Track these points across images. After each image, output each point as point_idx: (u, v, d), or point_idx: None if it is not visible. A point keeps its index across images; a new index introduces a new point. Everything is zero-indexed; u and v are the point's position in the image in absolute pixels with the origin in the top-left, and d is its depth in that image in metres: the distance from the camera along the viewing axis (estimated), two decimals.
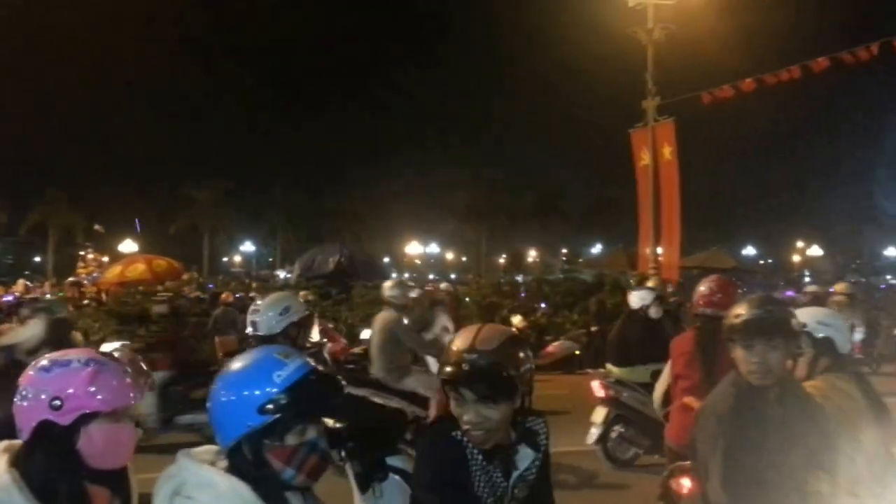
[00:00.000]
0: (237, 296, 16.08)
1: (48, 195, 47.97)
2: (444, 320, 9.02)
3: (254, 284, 20.57)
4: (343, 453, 4.08)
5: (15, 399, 1.95)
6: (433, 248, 57.36)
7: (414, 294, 7.70)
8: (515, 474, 2.19)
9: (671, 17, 19.60)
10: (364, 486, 3.86)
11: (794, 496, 2.57)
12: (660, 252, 20.21)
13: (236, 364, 1.88)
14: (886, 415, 3.12)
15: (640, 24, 19.67)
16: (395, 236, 51.54)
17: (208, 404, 1.87)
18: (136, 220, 38.84)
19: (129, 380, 2.01)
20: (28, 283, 21.46)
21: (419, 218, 50.75)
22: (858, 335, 8.07)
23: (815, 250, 51.93)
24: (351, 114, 78.04)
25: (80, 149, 62.99)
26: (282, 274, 31.43)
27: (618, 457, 7.42)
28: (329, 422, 4.12)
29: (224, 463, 1.84)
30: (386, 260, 40.61)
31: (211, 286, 19.84)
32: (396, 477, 3.68)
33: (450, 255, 60.89)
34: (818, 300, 10.39)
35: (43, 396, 1.91)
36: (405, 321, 7.34)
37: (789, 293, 13.47)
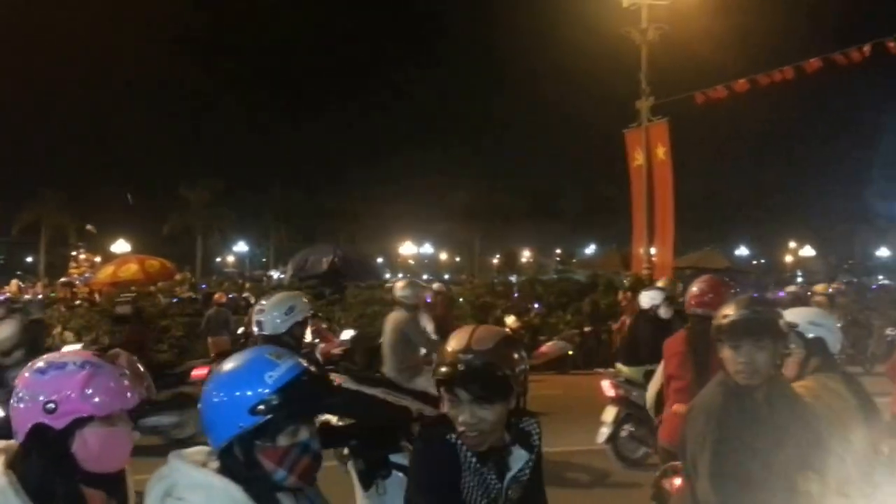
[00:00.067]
0: (230, 296, 16.07)
1: (41, 195, 47.81)
2: (424, 320, 9.03)
3: (247, 285, 20.56)
4: (346, 451, 4.09)
5: (11, 400, 1.94)
6: (427, 248, 57.32)
7: (426, 294, 7.73)
8: (509, 475, 2.19)
9: (665, 17, 19.66)
10: (367, 484, 3.87)
11: (782, 495, 2.59)
12: (653, 252, 20.26)
13: (228, 365, 1.88)
14: (876, 414, 3.14)
15: (634, 24, 19.72)
16: (389, 236, 51.50)
17: (200, 405, 1.86)
18: (128, 195, 38.56)
19: (126, 383, 1.99)
20: (21, 283, 21.40)
21: (413, 218, 50.72)
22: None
23: (808, 251, 52.07)
24: (345, 114, 77.73)
25: (74, 149, 62.69)
26: (275, 274, 31.36)
27: (627, 456, 7.45)
28: (333, 420, 4.13)
29: (216, 464, 1.84)
30: (379, 260, 40.56)
31: (204, 286, 19.81)
32: (399, 474, 3.68)
33: (443, 256, 60.87)
34: (799, 300, 10.51)
35: (37, 399, 1.90)
36: (417, 321, 7.36)
37: (782, 294, 13.52)
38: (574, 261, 39.55)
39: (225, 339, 13.53)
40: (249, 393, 1.78)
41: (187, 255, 43.08)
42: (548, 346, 14.77)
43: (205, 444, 1.90)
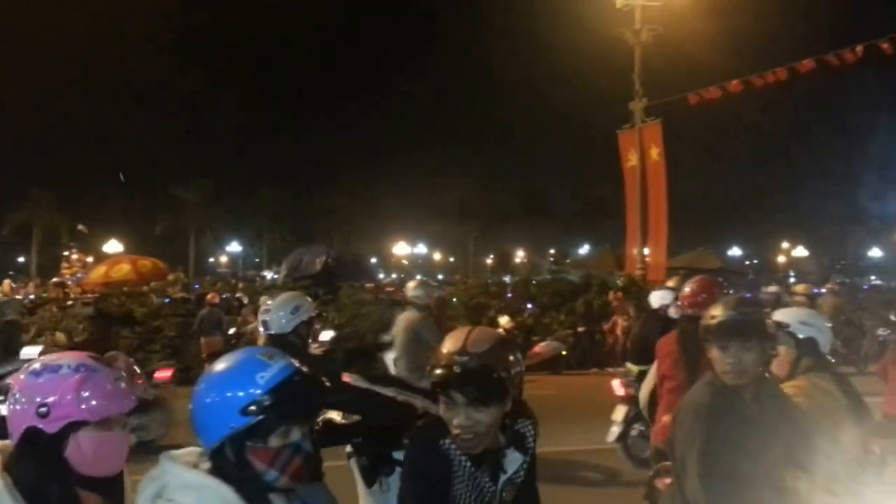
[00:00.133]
0: (224, 297, 16.04)
1: (33, 195, 47.61)
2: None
3: (240, 285, 20.51)
4: (349, 448, 4.09)
5: (7, 401, 1.93)
6: (421, 248, 57.32)
7: (438, 294, 7.75)
8: (504, 478, 2.19)
9: (658, 18, 19.72)
10: (370, 480, 3.87)
11: (771, 494, 2.60)
12: (647, 253, 20.30)
13: (219, 365, 1.87)
14: (867, 414, 3.15)
15: (628, 25, 19.77)
16: (383, 237, 51.51)
17: (191, 406, 1.85)
18: (120, 174, 38.34)
19: (122, 386, 1.97)
20: (13, 283, 21.30)
21: (407, 218, 50.80)
22: None
23: (801, 251, 52.28)
24: (340, 115, 77.89)
25: (66, 149, 62.60)
26: (268, 274, 31.33)
27: (637, 455, 7.47)
28: (337, 417, 4.14)
29: (207, 465, 1.83)
30: (373, 260, 40.55)
31: (197, 287, 19.76)
32: None
33: (437, 256, 60.89)
34: (779, 300, 10.67)
35: (31, 402, 1.88)
36: (429, 320, 7.38)
37: (762, 295, 13.61)
38: (568, 261, 39.57)
39: (218, 339, 13.51)
40: (241, 394, 1.77)
41: (180, 256, 42.99)
42: (541, 347, 14.79)
43: (168, 447, 1.89)
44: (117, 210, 45.00)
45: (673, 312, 7.70)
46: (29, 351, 8.26)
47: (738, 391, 2.69)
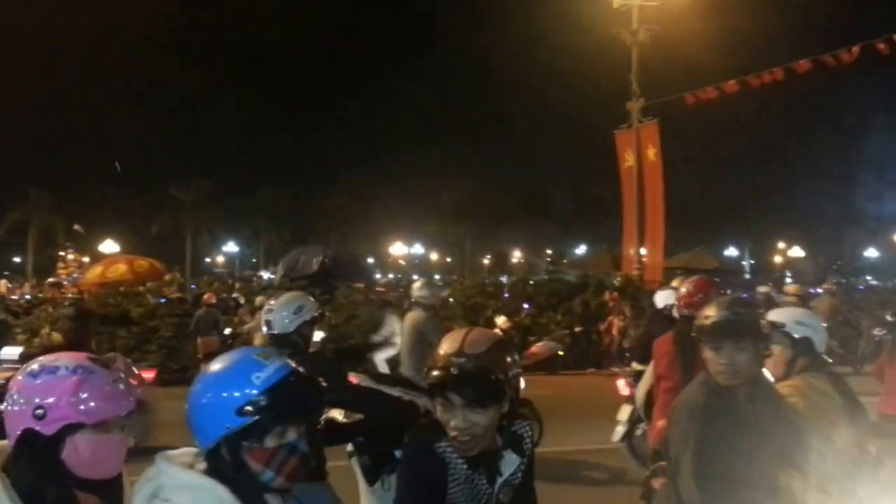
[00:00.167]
0: (221, 297, 16.02)
1: (29, 195, 47.50)
2: (393, 322, 9.02)
3: (237, 285, 20.50)
4: (350, 447, 4.10)
5: (5, 402, 1.92)
6: (417, 248, 57.31)
7: (444, 294, 7.80)
8: (500, 480, 2.18)
9: (655, 18, 19.74)
10: (372, 479, 3.87)
11: (764, 493, 2.61)
12: (644, 253, 20.32)
13: (215, 365, 1.87)
14: (863, 414, 3.16)
15: (625, 25, 19.79)
16: (380, 237, 51.50)
17: (187, 406, 1.85)
18: (116, 164, 38.27)
19: (122, 387, 1.95)
20: (8, 283, 21.29)
21: (404, 218, 50.78)
22: None
23: (797, 251, 52.37)
24: (336, 115, 77.84)
25: (62, 148, 62.46)
26: (265, 275, 31.31)
27: (642, 454, 7.47)
28: (339, 416, 4.14)
29: (203, 465, 1.82)
30: (370, 260, 40.54)
31: (193, 287, 19.75)
32: None
33: (434, 256, 60.87)
34: (769, 301, 10.75)
35: (28, 403, 1.87)
36: (435, 320, 7.39)
37: (746, 295, 13.71)
38: (565, 261, 39.59)
39: (214, 339, 13.49)
40: (237, 394, 1.77)
41: (176, 256, 42.84)
42: (538, 347, 14.74)
43: (155, 449, 1.88)
44: (114, 210, 45.00)
45: (676, 312, 7.74)
46: (8, 351, 8.26)
47: (732, 391, 2.70)
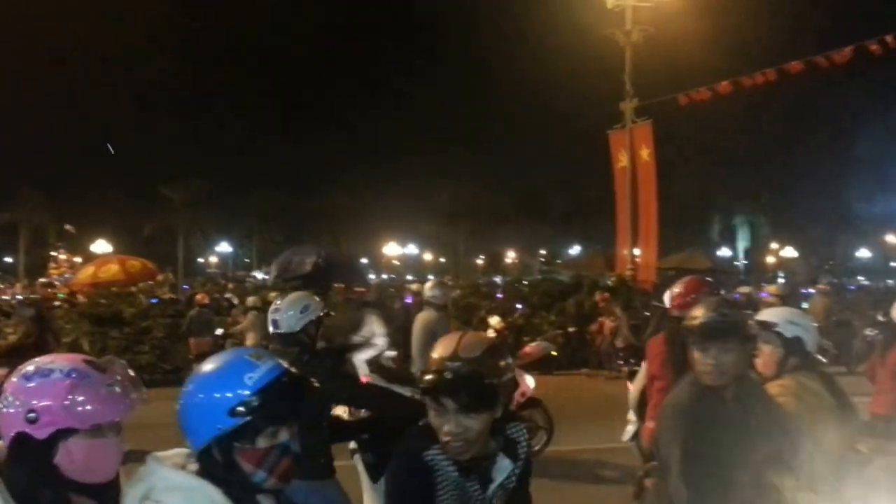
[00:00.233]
0: (216, 296, 15.98)
1: (20, 194, 47.26)
2: (372, 322, 9.01)
3: (230, 286, 20.46)
4: (353, 444, 4.12)
5: (0, 404, 1.91)
6: (411, 248, 57.30)
7: (455, 294, 7.82)
8: (494, 485, 2.17)
9: (649, 19, 19.78)
10: (376, 476, 3.89)
11: (752, 492, 2.63)
12: (637, 253, 20.36)
13: (207, 366, 1.86)
14: (853, 414, 3.17)
15: (619, 25, 19.82)
16: (374, 237, 51.43)
17: (178, 406, 1.84)
18: (108, 145, 38.14)
19: (117, 391, 1.93)
20: (0, 284, 21.20)
21: (398, 219, 50.68)
22: None
23: (790, 251, 52.57)
24: (330, 116, 77.75)
25: (53, 148, 62.18)
26: (259, 275, 31.26)
27: (648, 453, 7.50)
28: (343, 414, 4.15)
29: (194, 466, 1.82)
30: (364, 261, 40.50)
31: (186, 287, 19.70)
32: None
33: (428, 256, 60.87)
34: (751, 301, 10.86)
35: (21, 407, 1.86)
36: (446, 321, 7.41)
37: (763, 294, 13.72)
38: (558, 262, 39.71)
39: (207, 340, 13.46)
40: (229, 394, 1.76)
41: (169, 256, 42.76)
42: (531, 347, 14.77)
43: (139, 452, 1.88)
44: (106, 210, 44.79)
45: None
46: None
47: (720, 391, 2.73)
